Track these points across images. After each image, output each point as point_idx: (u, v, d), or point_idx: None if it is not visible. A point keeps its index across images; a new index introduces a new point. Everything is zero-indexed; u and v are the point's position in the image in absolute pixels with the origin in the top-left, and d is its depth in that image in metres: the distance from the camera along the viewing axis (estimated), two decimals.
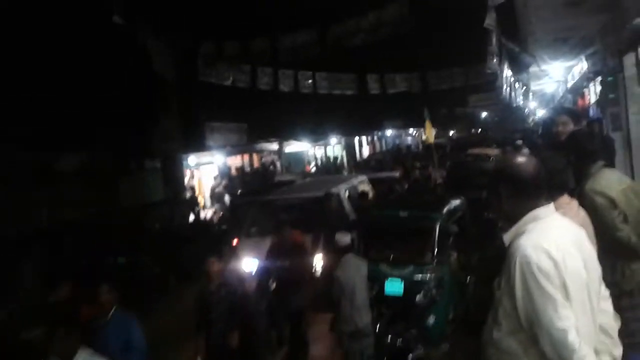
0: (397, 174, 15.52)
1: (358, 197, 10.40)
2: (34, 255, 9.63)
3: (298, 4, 18.38)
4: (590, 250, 2.39)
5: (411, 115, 28.72)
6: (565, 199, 3.06)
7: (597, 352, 2.24)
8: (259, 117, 20.69)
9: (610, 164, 6.51)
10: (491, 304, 2.44)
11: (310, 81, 17.52)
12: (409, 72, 20.16)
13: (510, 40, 13.48)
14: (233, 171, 22.71)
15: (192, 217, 15.34)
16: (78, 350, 4.03)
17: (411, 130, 45.52)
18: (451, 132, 48.09)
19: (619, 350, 2.41)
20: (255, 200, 11.79)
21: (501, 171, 2.48)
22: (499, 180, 2.43)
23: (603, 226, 3.55)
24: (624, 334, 2.66)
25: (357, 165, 23.57)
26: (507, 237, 2.38)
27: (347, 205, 10.21)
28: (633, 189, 4.00)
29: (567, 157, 3.48)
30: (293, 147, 29.29)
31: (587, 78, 14.81)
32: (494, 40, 10.03)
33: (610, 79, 11.64)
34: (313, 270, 7.87)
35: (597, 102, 14.13)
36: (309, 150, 31.80)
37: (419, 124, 42.64)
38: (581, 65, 14.40)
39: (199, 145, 18.53)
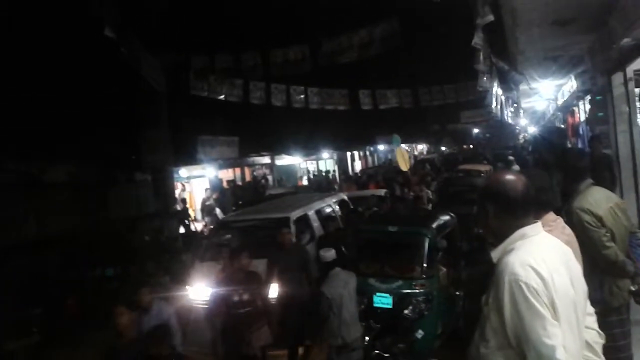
0: (382, 192, 15.01)
1: (324, 221, 9.60)
2: (21, 266, 9.54)
3: (290, 19, 18.54)
4: (576, 268, 2.40)
5: (403, 130, 28.93)
6: (551, 216, 3.08)
7: None
8: (250, 131, 20.72)
9: (611, 180, 6.58)
10: (479, 320, 2.44)
11: (302, 96, 17.55)
12: (400, 88, 20.29)
13: (500, 59, 13.62)
14: (224, 184, 22.67)
15: (182, 230, 15.27)
16: None
17: (403, 145, 45.70)
18: (443, 148, 48.33)
19: None
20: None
21: (488, 189, 2.49)
22: (485, 198, 2.43)
23: (590, 244, 3.57)
24: (612, 349, 2.67)
25: (348, 180, 23.54)
26: (495, 255, 2.39)
27: (316, 225, 9.65)
28: (620, 207, 4.04)
29: (557, 174, 3.51)
30: (285, 160, 29.32)
31: (577, 96, 14.98)
32: (481, 58, 10.11)
33: (598, 97, 11.77)
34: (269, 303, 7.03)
35: (587, 120, 14.28)
36: (301, 164, 31.84)
37: (411, 140, 43.03)
38: (571, 84, 14.56)
39: (190, 158, 18.50)
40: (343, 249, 7.08)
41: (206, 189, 20.06)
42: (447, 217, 8.02)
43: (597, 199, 3.90)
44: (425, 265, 6.72)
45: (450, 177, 17.89)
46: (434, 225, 7.36)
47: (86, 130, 11.59)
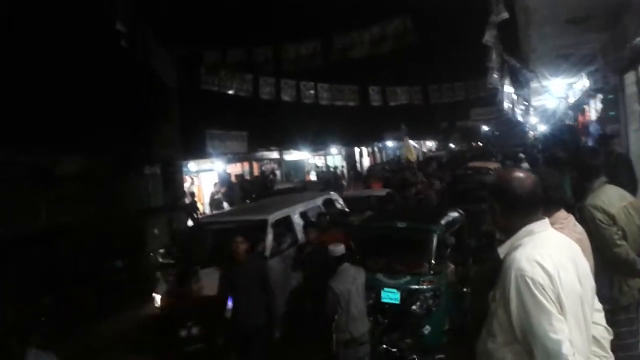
0: (384, 192, 14.10)
1: (304, 228, 8.24)
2: (33, 258, 9.64)
3: (302, 15, 18.55)
4: (584, 265, 2.41)
5: (412, 127, 28.87)
6: (562, 214, 3.09)
7: None
8: (259, 126, 20.77)
9: (630, 179, 6.53)
10: (486, 316, 2.46)
11: (312, 91, 17.59)
12: (410, 84, 20.27)
13: (512, 56, 13.57)
14: (233, 179, 22.74)
15: (190, 223, 15.35)
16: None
17: (412, 142, 45.61)
18: (451, 145, 48.22)
19: None
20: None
21: (495, 186, 2.51)
22: (493, 195, 2.46)
23: (602, 242, 3.58)
24: (620, 347, 2.68)
25: (357, 178, 23.54)
26: (502, 251, 2.41)
27: (300, 229, 8.71)
28: (633, 205, 4.03)
29: (571, 173, 3.52)
30: (293, 156, 29.36)
31: (588, 95, 14.90)
32: (493, 55, 10.09)
33: (610, 96, 11.72)
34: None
35: (598, 119, 14.20)
36: (309, 159, 31.86)
37: (420, 136, 42.93)
38: (582, 82, 14.47)
39: (199, 152, 18.58)
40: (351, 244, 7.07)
41: (215, 183, 20.13)
42: (455, 214, 8.03)
43: (610, 197, 3.90)
44: (433, 261, 6.75)
45: (459, 175, 17.85)
46: (443, 222, 7.37)
47: (97, 123, 11.65)
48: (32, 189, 10.81)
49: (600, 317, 2.53)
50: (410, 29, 14.32)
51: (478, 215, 10.32)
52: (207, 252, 8.48)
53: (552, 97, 19.45)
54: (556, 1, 6.96)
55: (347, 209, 11.25)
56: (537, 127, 39.02)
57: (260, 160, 26.69)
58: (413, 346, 5.34)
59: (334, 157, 34.97)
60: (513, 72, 15.24)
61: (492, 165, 18.63)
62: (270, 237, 8.16)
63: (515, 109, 19.61)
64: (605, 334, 2.50)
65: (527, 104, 22.28)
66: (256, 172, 25.78)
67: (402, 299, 6.46)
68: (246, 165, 25.42)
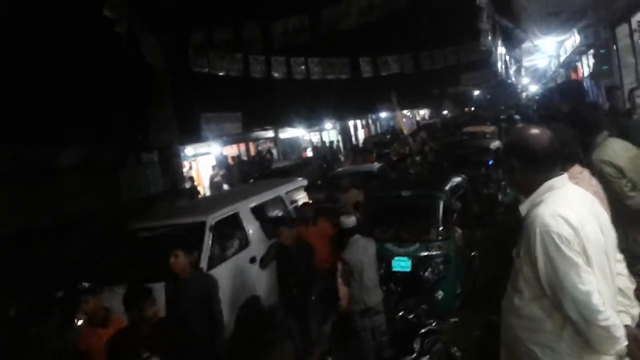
0: (375, 167, 13.26)
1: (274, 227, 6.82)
2: (41, 251, 9.67)
3: None
4: (604, 216, 2.45)
5: (405, 96, 28.76)
6: (577, 169, 3.11)
7: (616, 313, 2.30)
8: (253, 106, 20.68)
9: None
10: (498, 276, 2.49)
11: (302, 67, 17.45)
12: (401, 53, 20.13)
13: (503, 17, 13.49)
14: (230, 161, 22.73)
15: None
16: None
17: (405, 111, 45.55)
18: (445, 112, 48.15)
19: (636, 310, 2.47)
20: None
21: (512, 144, 2.51)
22: (511, 153, 2.46)
23: (613, 194, 3.61)
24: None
25: (353, 150, 23.53)
26: (523, 208, 2.43)
27: (252, 229, 7.55)
28: (639, 156, 4.06)
29: (572, 130, 3.53)
30: (288, 133, 29.31)
31: (580, 51, 14.90)
32: (485, 17, 10.03)
33: (603, 51, 11.71)
34: None
35: (591, 75, 14.21)
36: (305, 136, 31.82)
37: (413, 105, 42.85)
38: (573, 39, 14.45)
39: (195, 136, 18.53)
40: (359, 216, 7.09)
41: (212, 166, 20.14)
42: (459, 179, 8.08)
43: (615, 150, 3.92)
44: (441, 227, 6.81)
45: (455, 140, 17.88)
46: (448, 188, 7.42)
47: (94, 113, 11.60)
48: (35, 182, 10.80)
49: (622, 267, 2.57)
50: None
51: (478, 179, 10.41)
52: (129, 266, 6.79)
53: (543, 55, 19.43)
54: None
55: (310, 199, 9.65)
56: (529, 87, 39.01)
57: (255, 140, 26.64)
58: (430, 312, 5.43)
59: (329, 132, 34.93)
60: (505, 33, 15.18)
61: (488, 129, 18.65)
62: (208, 243, 6.65)
63: (508, 71, 19.57)
64: (628, 284, 2.54)
65: (518, 64, 22.25)
66: (253, 153, 25.76)
67: (413, 266, 6.53)
68: (242, 146, 25.39)
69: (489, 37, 11.16)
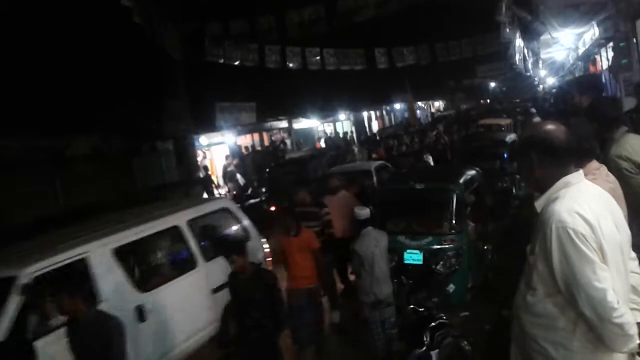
0: (370, 165, 12.09)
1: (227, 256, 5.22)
2: None
3: None
4: (619, 213, 2.43)
5: (419, 88, 28.63)
6: (594, 164, 3.08)
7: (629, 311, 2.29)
8: (267, 96, 20.73)
9: None
10: (510, 271, 2.47)
11: (317, 58, 17.42)
12: (416, 44, 20.01)
13: (521, 8, 13.35)
14: (243, 150, 22.81)
15: (205, 196, 15.47)
16: None
17: (420, 103, 45.32)
18: (459, 104, 47.80)
19: None
20: None
21: (532, 138, 2.47)
22: (530, 148, 2.42)
23: (630, 190, 3.57)
24: None
25: (369, 141, 23.48)
26: (538, 204, 2.42)
27: (107, 278, 5.32)
28: None
29: (590, 124, 3.48)
30: (302, 124, 29.31)
31: (599, 44, 14.70)
32: (504, 9, 9.92)
33: (622, 44, 11.54)
34: None
35: (610, 68, 14.02)
36: (318, 127, 31.81)
37: (428, 96, 42.59)
38: (592, 32, 14.25)
39: (209, 126, 18.61)
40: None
41: (226, 156, 20.22)
42: (473, 172, 8.00)
43: (633, 146, 3.87)
44: (454, 221, 6.78)
45: (470, 133, 17.76)
46: (461, 181, 7.37)
47: (107, 102, 11.69)
48: (48, 171, 10.91)
49: (635, 265, 2.55)
50: None
51: (492, 172, 10.33)
52: None
53: (562, 47, 19.19)
54: None
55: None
56: (546, 80, 38.57)
57: (269, 130, 26.69)
58: (440, 305, 5.42)
59: (343, 123, 34.86)
60: (523, 25, 15.01)
61: (504, 121, 18.47)
62: (11, 309, 4.61)
63: (525, 63, 19.37)
64: None
65: (536, 57, 22.00)
66: (266, 143, 25.82)
67: (425, 259, 6.52)
68: (256, 136, 25.45)
69: (508, 30, 11.04)
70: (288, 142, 27.19)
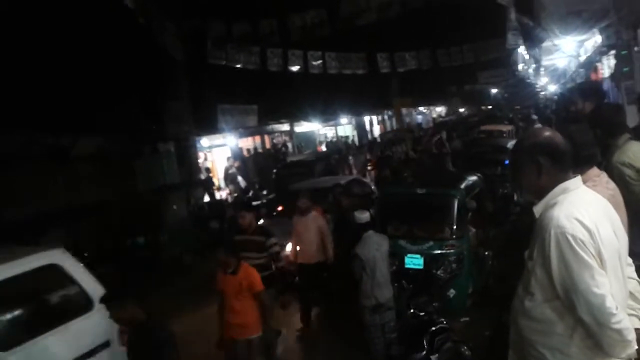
0: (342, 179, 10.64)
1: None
2: (55, 236, 9.79)
3: None
4: (618, 220, 2.44)
5: (421, 93, 28.67)
6: (594, 171, 3.09)
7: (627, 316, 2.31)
8: (269, 99, 20.74)
9: None
10: (511, 277, 2.48)
11: (319, 61, 17.45)
12: (418, 50, 20.05)
13: (524, 15, 13.38)
14: (245, 153, 22.84)
15: (207, 198, 15.50)
16: None
17: (421, 108, 45.32)
18: (461, 110, 47.84)
19: None
20: None
21: (540, 143, 2.43)
22: (538, 152, 2.39)
23: (631, 197, 3.58)
24: None
25: (370, 146, 23.47)
26: (537, 209, 2.42)
27: None
28: None
29: (593, 131, 3.49)
30: (304, 127, 29.34)
31: (601, 52, 14.70)
32: (511, 15, 9.93)
33: (624, 52, 11.55)
34: None
35: (611, 76, 14.03)
36: (320, 130, 31.83)
37: (429, 102, 42.60)
38: (594, 39, 14.27)
39: (211, 128, 18.63)
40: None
41: (228, 158, 20.23)
42: (474, 178, 8.05)
43: (636, 153, 3.87)
44: (455, 226, 6.82)
45: (472, 139, 17.79)
46: (463, 187, 7.40)
47: (111, 103, 11.73)
48: (52, 169, 10.94)
49: (632, 270, 2.58)
50: None
51: (493, 178, 10.36)
52: None
53: (563, 54, 19.19)
54: None
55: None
56: (548, 87, 38.58)
57: (271, 133, 26.69)
58: (441, 310, 5.45)
59: (345, 127, 34.87)
60: (525, 32, 15.05)
61: (505, 127, 18.53)
62: None
63: (527, 70, 19.40)
64: (638, 287, 2.56)
65: (537, 63, 22.02)
66: (268, 145, 25.83)
67: (425, 264, 6.55)
68: (258, 138, 25.45)
69: (514, 36, 11.06)
70: (289, 145, 27.22)
